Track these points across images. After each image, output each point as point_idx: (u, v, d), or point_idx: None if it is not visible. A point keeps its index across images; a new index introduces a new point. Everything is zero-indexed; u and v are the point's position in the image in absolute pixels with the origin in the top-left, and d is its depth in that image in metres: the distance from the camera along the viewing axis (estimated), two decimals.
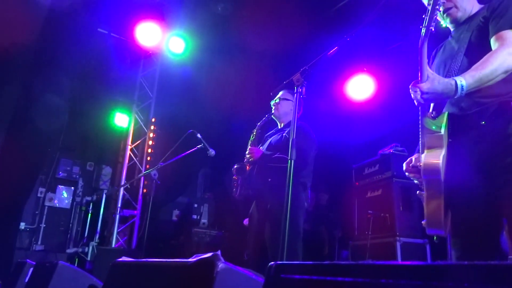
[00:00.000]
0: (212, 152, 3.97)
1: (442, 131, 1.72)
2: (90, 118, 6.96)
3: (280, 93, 3.45)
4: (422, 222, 1.72)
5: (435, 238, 1.71)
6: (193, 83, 6.38)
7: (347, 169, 5.33)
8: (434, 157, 1.68)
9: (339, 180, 5.80)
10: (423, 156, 1.73)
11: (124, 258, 1.95)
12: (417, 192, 1.85)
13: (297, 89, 2.43)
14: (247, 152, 3.30)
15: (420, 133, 1.80)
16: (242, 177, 3.28)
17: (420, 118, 1.79)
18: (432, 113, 1.78)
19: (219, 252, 1.22)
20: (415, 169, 1.86)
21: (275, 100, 3.41)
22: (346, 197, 5.33)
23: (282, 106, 3.38)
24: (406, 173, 1.94)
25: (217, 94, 6.20)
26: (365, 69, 5.16)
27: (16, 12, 5.34)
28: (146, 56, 7.13)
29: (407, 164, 1.93)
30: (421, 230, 3.83)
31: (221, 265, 1.16)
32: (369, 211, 4.43)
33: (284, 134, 3.26)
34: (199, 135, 4.03)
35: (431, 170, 1.67)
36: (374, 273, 0.77)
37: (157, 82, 7.23)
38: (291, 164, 2.36)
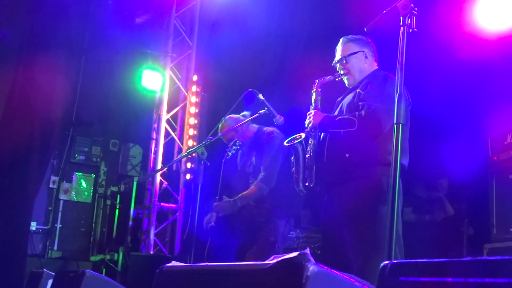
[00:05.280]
0: (280, 119, 4.01)
1: None
2: (111, 80, 7.26)
3: (340, 47, 3.45)
4: None
5: None
6: (250, 23, 6.38)
7: (478, 139, 5.15)
8: None
9: (466, 155, 5.63)
10: None
11: (174, 264, 2.08)
12: None
13: (403, 20, 2.41)
14: (307, 119, 3.35)
15: None
16: (304, 159, 3.30)
17: None
18: None
19: (308, 251, 1.27)
20: None
21: (340, 61, 3.41)
22: (479, 179, 5.18)
23: (353, 64, 3.42)
24: None
25: (284, 38, 6.18)
26: None
27: None
28: None
29: None
30: None
31: (312, 267, 1.21)
32: None
33: (357, 91, 3.27)
34: (261, 96, 4.08)
35: None
36: None
37: (197, 23, 7.34)
38: (397, 130, 2.36)
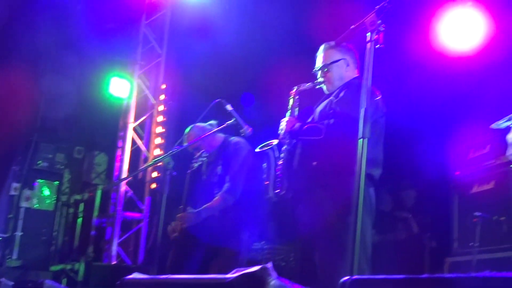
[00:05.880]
0: (248, 130, 4.01)
1: None
2: (77, 86, 7.18)
3: (321, 53, 3.47)
4: None
5: None
6: (220, 33, 6.41)
7: (441, 153, 5.25)
8: None
9: (429, 169, 5.73)
10: None
11: (135, 275, 2.05)
12: None
13: (371, 35, 2.43)
14: (280, 125, 3.36)
15: None
16: (276, 166, 3.31)
17: None
18: None
19: (270, 265, 1.27)
20: None
21: (322, 69, 3.43)
22: (441, 193, 5.26)
23: (334, 72, 3.42)
24: None
25: (254, 48, 6.19)
26: (470, 2, 4.99)
27: None
28: None
29: None
30: None
31: (273, 281, 1.20)
32: (476, 213, 4.38)
33: (331, 98, 3.29)
34: (229, 107, 4.08)
35: None
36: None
37: (167, 32, 7.33)
38: (363, 145, 2.37)
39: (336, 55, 3.41)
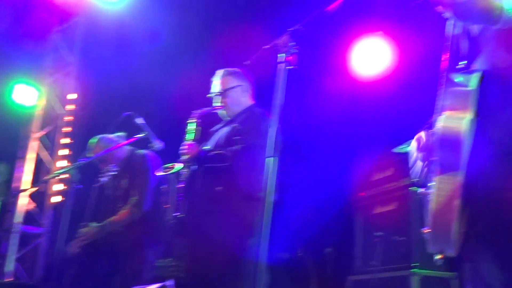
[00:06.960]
0: (158, 144, 3.97)
1: (472, 85, 1.71)
2: None
3: (218, 80, 3.54)
4: (423, 229, 1.71)
5: (437, 257, 1.71)
6: (135, 44, 6.34)
7: (346, 175, 5.41)
8: (456, 121, 1.64)
9: (334, 190, 5.89)
10: (440, 119, 1.70)
11: None
12: (419, 190, 1.84)
13: (284, 56, 2.47)
14: (180, 149, 3.37)
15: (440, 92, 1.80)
16: (177, 188, 3.34)
17: (446, 69, 1.81)
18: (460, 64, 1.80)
19: (171, 283, 1.24)
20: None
21: (220, 95, 3.50)
22: (344, 214, 5.41)
23: (231, 98, 3.52)
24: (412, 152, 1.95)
25: (167, 61, 6.17)
26: (380, 32, 5.24)
27: None
28: (62, 3, 7.01)
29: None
30: (448, 260, 3.94)
31: None
32: (377, 233, 4.53)
33: (235, 125, 3.39)
34: (140, 120, 4.02)
35: (450, 141, 1.63)
36: None
37: (80, 41, 7.14)
38: (270, 164, 2.40)
39: (233, 81, 3.52)
